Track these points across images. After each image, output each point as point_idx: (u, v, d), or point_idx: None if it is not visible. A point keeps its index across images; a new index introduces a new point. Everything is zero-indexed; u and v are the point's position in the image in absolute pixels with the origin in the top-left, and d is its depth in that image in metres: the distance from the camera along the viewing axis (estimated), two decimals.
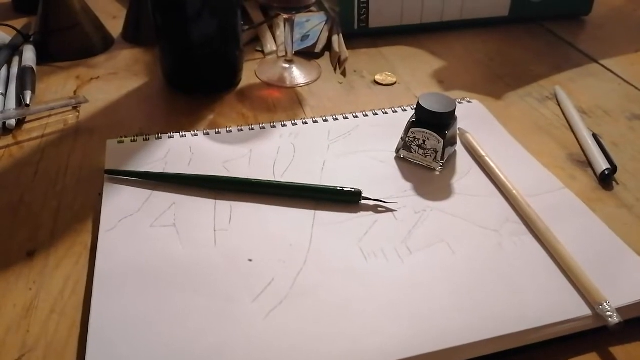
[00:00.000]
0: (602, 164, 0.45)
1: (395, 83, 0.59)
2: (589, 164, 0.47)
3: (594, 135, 0.49)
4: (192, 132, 0.48)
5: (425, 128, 0.43)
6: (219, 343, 0.31)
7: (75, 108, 0.53)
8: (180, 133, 0.48)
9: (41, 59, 0.60)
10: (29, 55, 0.59)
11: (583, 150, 0.49)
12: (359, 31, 0.68)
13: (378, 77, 0.60)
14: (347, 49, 0.64)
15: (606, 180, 0.45)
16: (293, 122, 0.50)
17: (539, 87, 0.59)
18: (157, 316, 0.32)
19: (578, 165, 0.47)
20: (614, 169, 0.45)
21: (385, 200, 0.41)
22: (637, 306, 0.33)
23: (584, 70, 0.62)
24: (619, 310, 0.32)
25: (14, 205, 0.41)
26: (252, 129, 0.49)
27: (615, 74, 0.61)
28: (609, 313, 0.32)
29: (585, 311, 0.33)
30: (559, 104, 0.56)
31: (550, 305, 0.33)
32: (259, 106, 0.55)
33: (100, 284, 0.34)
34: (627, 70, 0.62)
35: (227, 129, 0.49)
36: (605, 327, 0.32)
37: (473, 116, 0.51)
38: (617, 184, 0.45)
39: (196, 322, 0.32)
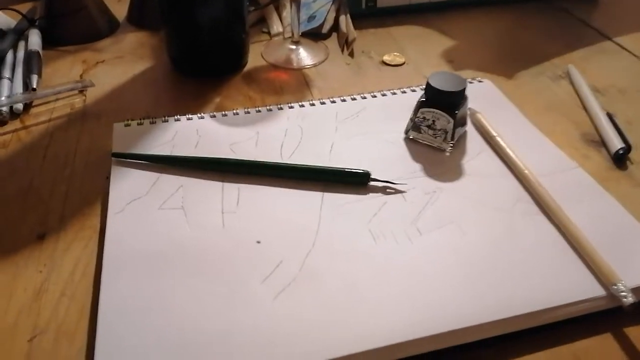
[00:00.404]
0: (616, 143, 0.44)
1: (403, 63, 0.58)
2: (602, 143, 0.46)
3: (608, 114, 0.48)
4: (199, 115, 0.48)
5: (434, 108, 0.43)
6: (228, 324, 0.31)
7: (81, 92, 0.53)
8: (187, 116, 0.47)
9: (47, 43, 0.60)
10: (35, 39, 0.59)
11: (597, 130, 0.48)
12: (367, 11, 0.67)
13: (386, 58, 0.59)
14: (355, 29, 0.63)
15: (620, 159, 0.44)
16: (300, 103, 0.49)
17: (552, 65, 0.57)
18: (165, 298, 0.32)
19: (592, 144, 0.46)
20: (628, 148, 0.44)
21: (395, 182, 0.40)
22: None
23: (597, 48, 0.61)
24: (634, 290, 0.32)
25: (23, 190, 0.41)
26: (259, 111, 0.48)
27: (629, 51, 0.60)
28: (623, 293, 0.31)
29: (600, 291, 0.32)
30: (572, 83, 0.54)
31: (564, 286, 0.33)
32: (265, 88, 0.54)
33: (109, 266, 0.34)
34: None
35: (234, 111, 0.48)
36: (620, 308, 0.31)
37: (484, 96, 0.50)
38: (632, 163, 0.44)
39: (205, 303, 0.32)
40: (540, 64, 0.58)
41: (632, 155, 0.44)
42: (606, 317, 0.32)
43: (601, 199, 0.39)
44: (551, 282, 0.33)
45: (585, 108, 0.51)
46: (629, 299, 0.31)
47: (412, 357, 0.30)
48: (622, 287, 0.31)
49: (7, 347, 0.31)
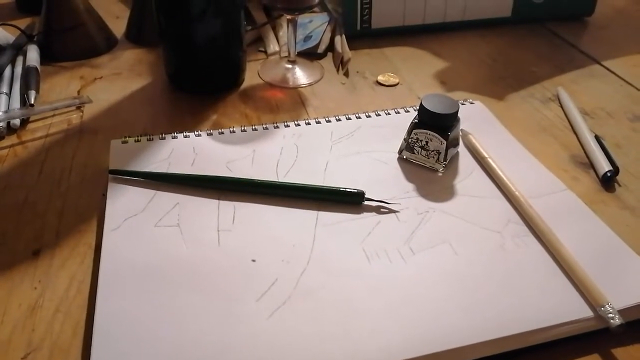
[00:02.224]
0: (604, 166, 0.45)
1: (397, 84, 0.59)
2: (591, 165, 0.47)
3: (596, 137, 0.49)
4: (196, 133, 0.48)
5: (427, 129, 0.44)
6: (223, 342, 0.31)
7: (79, 108, 0.53)
8: (184, 133, 0.48)
9: (45, 58, 0.60)
10: (33, 55, 0.59)
11: (585, 152, 0.49)
12: (362, 32, 0.68)
13: (380, 78, 0.60)
14: (350, 49, 0.64)
15: (608, 182, 0.45)
16: (296, 122, 0.50)
17: (542, 88, 0.59)
18: (161, 315, 0.32)
19: (580, 166, 0.47)
20: (616, 170, 0.45)
21: (388, 201, 0.41)
22: (639, 308, 0.33)
23: (586, 71, 0.62)
24: (621, 312, 0.32)
25: (18, 205, 0.42)
26: (255, 130, 0.49)
27: (617, 75, 0.61)
28: (610, 315, 0.32)
29: (587, 313, 0.33)
30: (561, 106, 0.56)
31: (553, 307, 0.33)
32: (262, 106, 0.55)
33: (104, 283, 0.34)
34: (629, 71, 0.62)
35: (231, 129, 0.49)
36: (607, 329, 0.32)
37: (475, 117, 0.51)
38: (620, 185, 0.45)
39: (200, 321, 0.32)
40: (531, 86, 0.59)
41: (620, 177, 0.45)
42: (594, 338, 0.33)
43: (589, 221, 0.40)
44: (540, 303, 0.33)
45: (574, 130, 0.52)
46: (616, 321, 0.32)
47: None
48: (609, 309, 0.32)
49: None
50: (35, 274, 0.36)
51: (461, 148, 0.47)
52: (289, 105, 0.55)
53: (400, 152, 0.46)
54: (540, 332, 0.32)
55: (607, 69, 0.62)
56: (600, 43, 0.68)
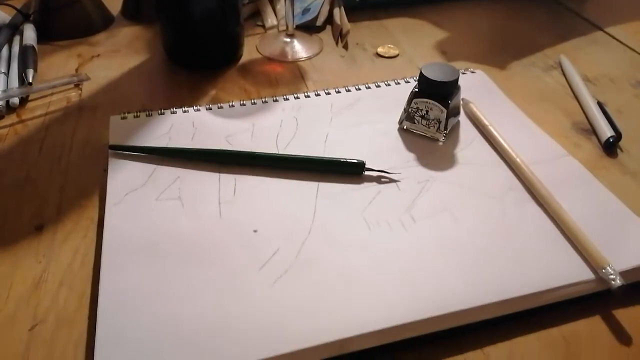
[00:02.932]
0: (606, 132, 0.45)
1: (397, 55, 0.59)
2: (593, 131, 0.47)
3: (599, 103, 0.49)
4: (195, 107, 0.48)
5: (428, 98, 0.43)
6: (226, 311, 0.31)
7: (77, 86, 0.53)
8: (183, 108, 0.48)
9: (42, 37, 0.60)
10: (30, 34, 0.59)
11: (587, 119, 0.48)
12: (361, 3, 0.67)
13: (380, 50, 0.59)
14: (349, 21, 0.63)
15: (610, 147, 0.45)
16: (295, 95, 0.50)
17: (544, 56, 0.58)
18: (164, 286, 0.33)
19: (582, 133, 0.47)
20: (618, 136, 0.45)
21: (389, 171, 0.41)
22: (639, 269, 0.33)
23: (589, 38, 0.61)
24: (622, 273, 0.32)
25: (20, 182, 0.42)
26: (255, 104, 0.49)
27: (620, 41, 0.60)
28: (612, 276, 0.32)
29: (589, 275, 0.33)
30: (563, 73, 0.55)
31: (554, 270, 0.33)
32: (261, 81, 0.54)
33: (108, 256, 0.35)
34: (632, 37, 0.61)
35: (230, 103, 0.49)
36: (609, 291, 0.32)
37: (477, 86, 0.51)
38: (622, 151, 0.45)
39: (202, 291, 0.32)
40: (533, 55, 0.58)
41: (622, 143, 0.45)
42: (595, 299, 0.33)
43: (591, 186, 0.40)
44: (542, 267, 0.34)
45: (576, 97, 0.51)
46: (617, 282, 0.32)
47: (407, 340, 0.31)
48: (610, 271, 0.32)
49: (7, 336, 0.31)
50: (39, 249, 0.37)
51: (462, 117, 0.47)
52: (288, 79, 0.55)
53: (400, 122, 0.46)
54: (541, 295, 0.32)
55: (610, 36, 0.62)
56: (603, 10, 0.67)
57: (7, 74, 0.53)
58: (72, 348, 0.31)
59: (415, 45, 0.60)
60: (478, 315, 0.32)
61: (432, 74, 0.43)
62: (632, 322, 0.32)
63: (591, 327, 0.32)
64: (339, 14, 0.64)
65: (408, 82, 0.52)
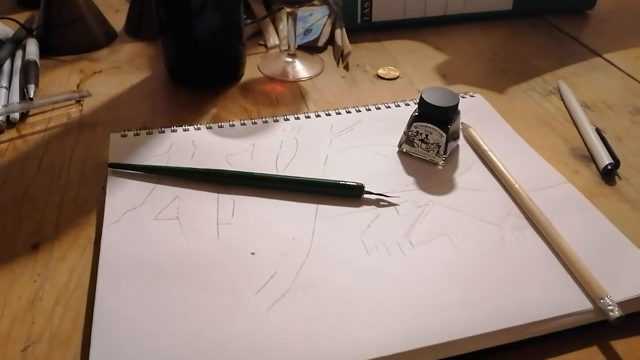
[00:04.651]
0: (605, 159, 0.45)
1: (398, 77, 0.59)
2: (592, 158, 0.47)
3: (597, 130, 0.49)
4: (195, 126, 0.48)
5: (428, 122, 0.43)
6: (223, 334, 0.31)
7: (78, 102, 0.53)
8: (183, 127, 0.48)
9: (44, 52, 0.60)
10: (32, 48, 0.59)
11: (586, 145, 0.48)
12: (362, 25, 0.68)
13: (381, 71, 0.60)
14: (350, 43, 0.64)
15: (609, 174, 0.45)
16: (296, 116, 0.50)
17: (543, 81, 0.59)
18: (160, 308, 0.32)
19: (581, 159, 0.47)
20: (616, 163, 0.45)
21: (388, 195, 0.41)
22: (638, 300, 0.33)
23: (587, 64, 0.62)
24: (620, 304, 0.32)
25: (18, 199, 0.42)
26: (255, 123, 0.49)
27: (618, 68, 0.61)
28: (610, 307, 0.32)
29: (587, 305, 0.33)
30: (562, 99, 0.55)
31: (552, 299, 0.33)
32: (261, 100, 0.55)
33: (104, 276, 0.34)
34: (630, 64, 0.61)
35: (230, 122, 0.49)
36: (607, 321, 0.32)
37: (476, 110, 0.51)
38: (620, 178, 0.45)
39: (199, 313, 0.32)
40: (532, 79, 0.59)
41: (620, 170, 0.45)
42: (593, 330, 0.33)
43: (589, 214, 0.40)
44: (540, 296, 0.33)
45: (575, 123, 0.52)
46: (616, 313, 0.32)
47: None
48: (608, 301, 0.32)
49: (0, 356, 0.31)
50: (35, 267, 0.36)
51: (461, 142, 0.47)
52: (289, 98, 0.55)
53: (400, 145, 0.46)
54: (539, 325, 0.32)
55: (608, 62, 0.62)
56: (601, 36, 0.68)
57: (8, 88, 0.54)
58: None
59: (415, 67, 0.61)
60: (476, 345, 0.31)
61: (433, 99, 0.43)
62: (630, 353, 0.32)
63: (589, 357, 0.32)
64: (341, 35, 0.65)
65: (408, 104, 0.52)
